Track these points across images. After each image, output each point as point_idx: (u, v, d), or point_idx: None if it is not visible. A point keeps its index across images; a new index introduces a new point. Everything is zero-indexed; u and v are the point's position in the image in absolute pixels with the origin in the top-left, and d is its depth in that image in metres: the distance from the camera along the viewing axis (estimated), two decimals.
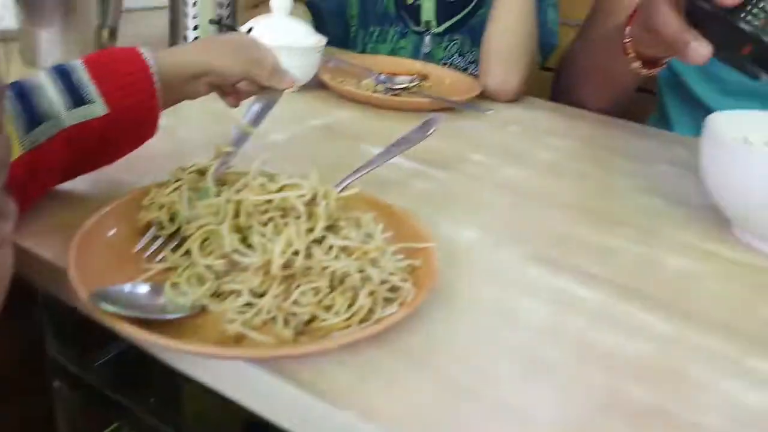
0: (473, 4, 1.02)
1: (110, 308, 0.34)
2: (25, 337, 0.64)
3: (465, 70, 1.03)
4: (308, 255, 0.37)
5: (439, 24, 1.03)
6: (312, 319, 0.37)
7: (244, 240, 0.38)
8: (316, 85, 0.84)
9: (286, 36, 0.78)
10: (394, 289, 0.39)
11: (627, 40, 0.69)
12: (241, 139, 0.50)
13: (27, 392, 0.67)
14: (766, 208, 0.51)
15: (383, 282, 0.38)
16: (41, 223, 0.46)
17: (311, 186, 0.39)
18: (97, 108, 0.44)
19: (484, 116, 0.81)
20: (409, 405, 0.34)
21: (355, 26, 1.11)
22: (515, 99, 0.89)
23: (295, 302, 0.36)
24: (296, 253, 0.36)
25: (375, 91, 0.84)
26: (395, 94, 0.83)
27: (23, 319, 0.61)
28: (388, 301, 0.38)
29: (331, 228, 0.39)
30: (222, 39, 0.54)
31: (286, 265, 0.36)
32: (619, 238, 0.54)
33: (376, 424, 0.33)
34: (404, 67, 0.93)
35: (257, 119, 0.51)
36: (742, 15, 0.50)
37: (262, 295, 0.37)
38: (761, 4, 0.50)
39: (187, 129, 0.68)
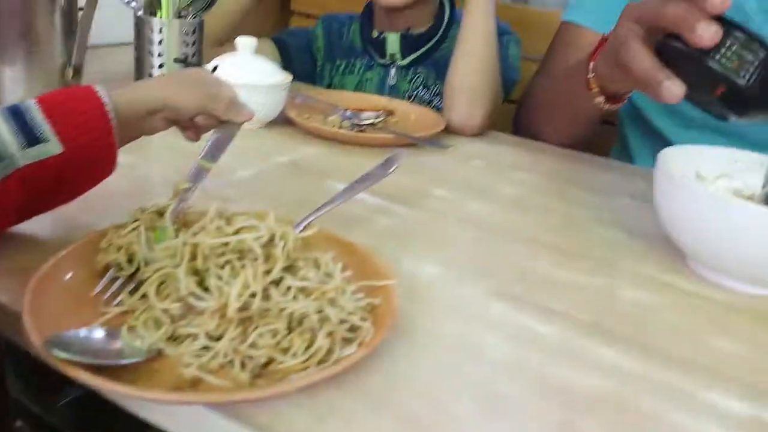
0: (437, 38, 1.04)
1: (63, 355, 0.34)
2: None
3: (430, 102, 1.05)
4: (266, 297, 0.37)
5: (403, 57, 1.05)
6: (270, 361, 0.37)
7: (202, 283, 0.38)
8: (282, 121, 0.85)
9: (251, 74, 0.78)
10: (353, 328, 0.39)
11: (590, 75, 0.70)
12: (199, 174, 0.50)
13: None
14: (716, 242, 0.53)
15: (342, 322, 0.39)
16: None
17: (268, 227, 0.39)
18: (52, 147, 0.44)
19: (448, 151, 0.82)
20: None
21: (321, 60, 1.13)
22: (479, 134, 0.91)
23: (252, 345, 0.36)
24: (253, 295, 0.36)
25: (341, 127, 0.85)
26: (361, 130, 0.84)
27: None
28: (347, 341, 0.38)
29: (289, 269, 0.39)
30: (178, 74, 0.54)
31: (243, 308, 0.36)
32: (579, 271, 0.55)
33: None
34: (370, 103, 0.94)
35: (215, 154, 0.52)
36: (716, 56, 0.50)
37: (219, 338, 0.37)
38: (734, 47, 0.50)
39: (148, 167, 0.68)
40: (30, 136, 0.43)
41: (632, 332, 0.47)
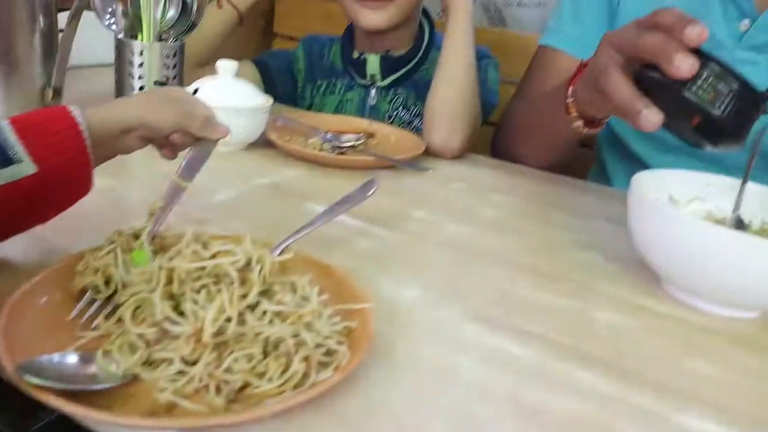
0: (416, 60, 1.06)
1: (35, 381, 0.34)
2: None
3: (410, 123, 1.06)
4: (241, 321, 0.37)
5: (383, 78, 1.06)
6: (245, 385, 0.37)
7: (178, 307, 0.38)
8: (263, 143, 0.85)
9: (232, 97, 0.79)
10: (330, 352, 0.40)
11: (569, 100, 0.71)
12: (175, 193, 0.50)
13: None
14: (688, 265, 0.54)
15: (318, 346, 0.39)
16: None
17: (245, 251, 0.39)
18: (25, 167, 0.43)
19: (429, 173, 0.83)
20: None
21: (302, 80, 1.14)
22: (459, 156, 0.92)
23: (228, 369, 0.36)
24: (228, 320, 0.36)
25: (322, 150, 0.86)
26: (342, 153, 0.85)
27: None
28: (323, 365, 0.39)
29: (265, 293, 0.39)
30: (152, 92, 0.54)
31: (219, 332, 0.36)
32: (556, 294, 0.56)
33: None
34: (351, 126, 0.95)
35: (191, 173, 0.51)
36: (692, 88, 0.51)
37: (194, 363, 0.37)
38: (710, 79, 0.51)
39: (127, 189, 0.68)
40: (2, 157, 0.43)
41: (608, 355, 0.48)
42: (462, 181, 0.83)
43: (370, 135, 0.94)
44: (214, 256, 0.39)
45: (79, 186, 0.48)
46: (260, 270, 0.39)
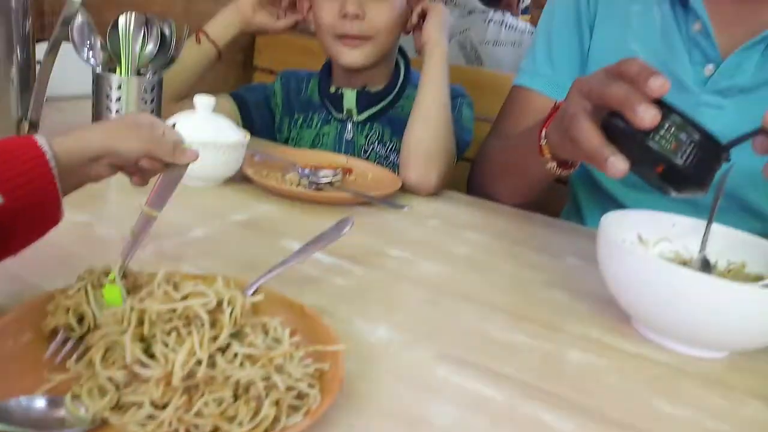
0: (392, 96, 1.07)
1: (1, 426, 0.33)
2: None
3: (386, 157, 1.08)
4: (212, 364, 0.37)
5: (360, 113, 1.07)
6: (215, 430, 0.36)
7: (149, 349, 0.38)
8: (240, 179, 0.85)
9: (209, 133, 0.79)
10: (301, 395, 0.40)
11: (543, 142, 0.72)
12: (146, 224, 0.50)
13: None
14: (656, 305, 0.55)
15: (289, 389, 0.39)
16: None
17: (216, 292, 0.39)
18: None
19: (405, 210, 0.84)
20: None
21: (279, 114, 1.15)
22: (435, 193, 0.93)
23: (198, 413, 0.36)
24: (199, 362, 0.36)
25: (299, 185, 0.86)
26: (319, 188, 0.85)
27: None
28: (294, 408, 0.39)
29: (236, 335, 0.39)
30: (120, 119, 0.53)
31: (189, 375, 0.36)
32: (526, 334, 0.56)
33: None
34: (329, 161, 0.96)
35: (161, 201, 0.51)
36: (655, 137, 0.54)
37: (165, 407, 0.36)
38: (672, 129, 0.53)
39: (103, 224, 0.68)
40: None
41: (577, 396, 0.48)
42: (437, 218, 0.84)
43: (348, 171, 0.95)
44: (185, 298, 0.39)
45: (48, 216, 0.47)
46: (231, 312, 0.39)
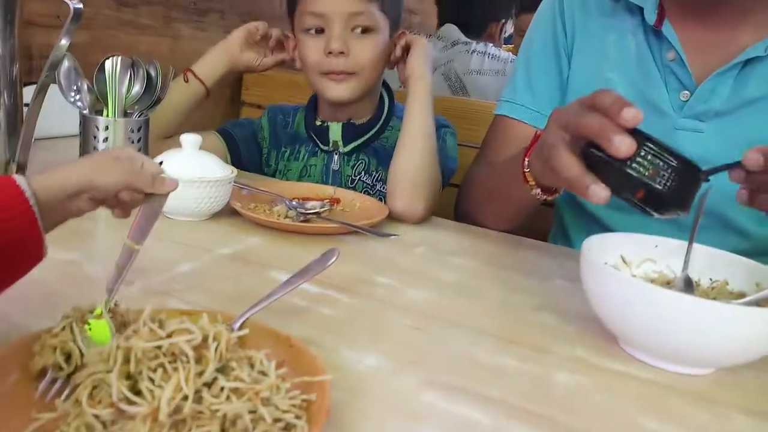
0: (377, 129, 1.09)
1: None
2: None
3: (373, 186, 1.09)
4: (198, 399, 0.37)
5: (345, 144, 1.09)
6: None
7: (135, 386, 0.38)
8: (228, 213, 0.86)
9: (196, 169, 0.80)
10: (289, 426, 0.40)
11: (526, 170, 0.74)
12: (129, 257, 0.50)
13: None
14: (640, 326, 0.55)
15: (276, 420, 0.39)
16: None
17: (201, 329, 0.40)
18: None
19: (393, 239, 0.85)
20: None
21: (267, 147, 1.16)
22: (421, 221, 0.94)
23: None
24: (185, 398, 0.37)
25: (287, 217, 0.87)
26: (306, 220, 0.86)
27: None
28: None
29: (222, 369, 0.40)
30: (98, 154, 0.54)
31: (176, 411, 0.37)
32: (513, 357, 0.57)
33: None
34: (316, 192, 0.97)
35: (142, 234, 0.51)
36: (633, 165, 0.55)
37: None
38: (649, 156, 0.55)
39: (90, 262, 0.68)
40: None
41: (565, 417, 0.49)
42: (424, 245, 0.85)
43: (335, 201, 0.96)
44: (170, 335, 0.39)
45: (30, 254, 0.47)
46: (216, 347, 0.39)
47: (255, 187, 0.93)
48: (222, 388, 0.39)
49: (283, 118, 1.17)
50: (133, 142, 0.84)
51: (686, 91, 0.84)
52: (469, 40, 1.86)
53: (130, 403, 0.37)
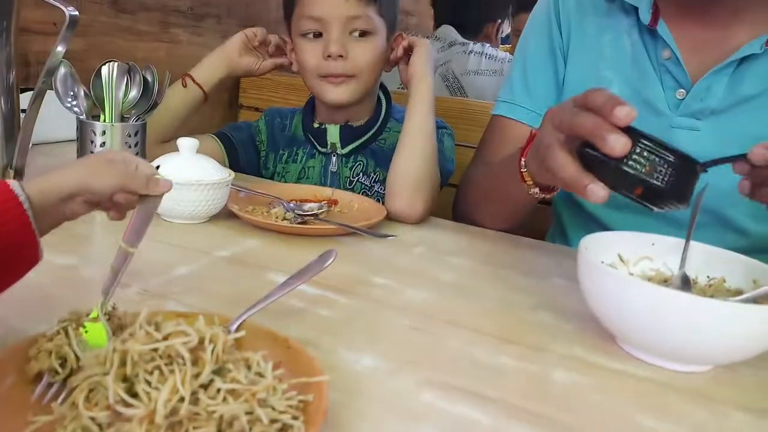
0: (374, 130, 1.10)
1: None
2: None
3: (371, 187, 1.09)
4: (195, 400, 0.38)
5: (343, 146, 1.09)
6: None
7: (132, 388, 0.38)
8: (225, 215, 0.86)
9: (193, 173, 0.80)
10: (286, 427, 0.40)
11: (523, 170, 0.74)
12: (124, 260, 0.50)
13: None
14: (638, 324, 0.55)
15: (273, 421, 0.39)
16: None
17: (197, 331, 0.40)
18: None
19: (391, 239, 0.85)
20: None
21: (265, 150, 1.17)
22: (420, 221, 0.94)
23: None
24: (181, 399, 0.37)
25: (285, 219, 0.87)
26: (304, 221, 0.86)
27: None
28: None
29: (219, 371, 0.40)
30: (91, 157, 0.54)
31: (173, 413, 0.37)
32: (511, 356, 0.57)
33: None
34: (314, 194, 0.97)
35: (137, 237, 0.51)
36: (629, 162, 0.56)
37: None
38: (644, 153, 0.55)
39: (88, 266, 0.68)
40: None
41: (563, 416, 0.49)
42: (423, 246, 0.85)
43: (333, 203, 0.96)
44: (167, 337, 0.39)
45: (26, 257, 0.47)
46: (213, 349, 0.40)
47: (252, 190, 0.94)
48: (218, 390, 0.39)
49: (281, 120, 1.17)
50: (130, 147, 0.84)
51: (682, 90, 0.84)
52: (466, 40, 1.87)
53: (127, 405, 0.37)
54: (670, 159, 0.56)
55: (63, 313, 0.47)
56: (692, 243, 0.65)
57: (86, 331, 0.46)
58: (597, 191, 0.57)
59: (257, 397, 0.39)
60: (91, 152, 0.84)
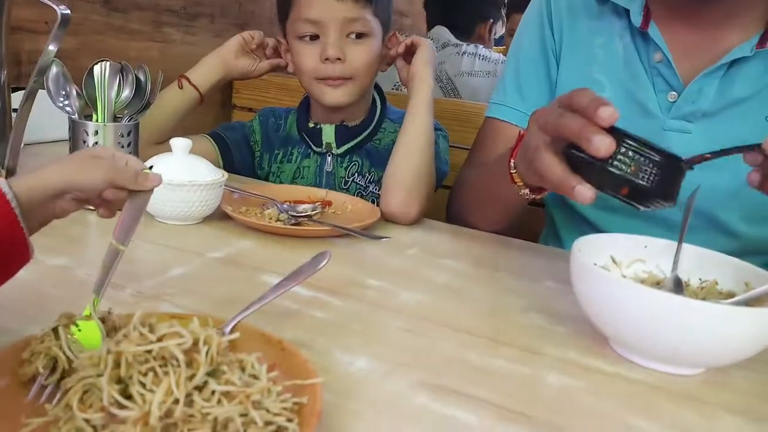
0: (369, 131, 1.10)
1: None
2: None
3: (366, 188, 1.10)
4: (189, 402, 0.37)
5: (338, 146, 1.09)
6: None
7: (126, 390, 0.38)
8: (219, 216, 0.86)
9: (186, 173, 0.80)
10: (280, 429, 0.40)
11: (513, 171, 0.74)
12: (114, 258, 0.50)
13: None
14: (630, 327, 0.56)
15: (268, 423, 0.39)
16: None
17: (192, 332, 0.40)
18: None
19: (385, 240, 0.85)
20: None
21: (259, 150, 1.16)
22: (414, 222, 0.94)
23: None
24: (176, 401, 0.37)
25: (278, 220, 0.87)
26: (297, 223, 0.86)
27: None
28: None
29: (213, 373, 0.40)
30: (79, 153, 0.53)
31: (167, 415, 0.37)
32: (504, 359, 0.57)
33: None
34: (308, 195, 0.97)
35: (127, 234, 0.51)
36: (614, 163, 0.56)
37: None
38: (629, 153, 0.56)
39: (83, 268, 0.68)
40: None
41: (556, 418, 0.49)
42: (416, 247, 0.85)
43: (327, 204, 0.96)
44: (161, 339, 0.39)
45: (15, 256, 0.47)
46: (207, 351, 0.39)
47: (246, 191, 0.93)
48: (213, 392, 0.38)
49: (275, 120, 1.17)
50: (122, 147, 0.84)
51: (674, 92, 0.85)
52: (459, 42, 1.87)
53: (121, 407, 0.37)
54: (656, 158, 0.56)
55: (57, 315, 0.47)
56: (684, 245, 0.65)
57: (79, 330, 0.46)
58: (584, 192, 0.58)
59: (252, 399, 0.39)
60: None
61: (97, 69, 0.86)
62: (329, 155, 1.10)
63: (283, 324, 0.58)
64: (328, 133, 1.09)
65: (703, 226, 0.84)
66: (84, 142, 0.83)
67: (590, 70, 0.90)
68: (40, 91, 0.82)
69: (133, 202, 0.52)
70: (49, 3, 0.78)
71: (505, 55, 1.80)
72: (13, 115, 0.87)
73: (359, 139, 1.10)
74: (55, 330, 0.45)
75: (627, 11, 0.86)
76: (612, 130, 0.56)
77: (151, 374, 0.38)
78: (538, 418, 0.48)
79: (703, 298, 0.62)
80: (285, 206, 0.90)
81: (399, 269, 0.77)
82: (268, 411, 0.40)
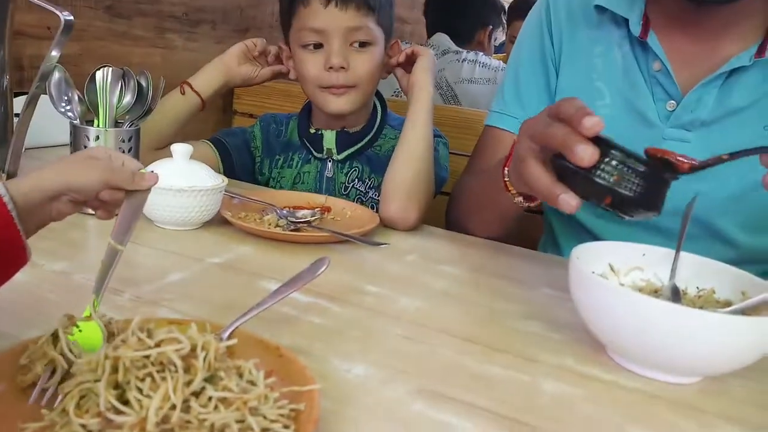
0: (370, 137, 1.10)
1: None
2: None
3: (366, 193, 1.10)
4: (186, 408, 0.38)
5: (339, 152, 1.10)
6: None
7: (123, 395, 0.38)
8: (218, 222, 0.86)
9: (186, 179, 0.80)
10: None
11: (507, 179, 0.75)
12: (113, 258, 0.50)
13: None
14: (628, 335, 0.56)
15: (265, 430, 0.39)
16: None
17: (190, 338, 0.40)
18: None
19: (384, 246, 0.85)
20: None
21: (260, 156, 1.17)
22: (413, 229, 0.94)
23: None
24: (173, 407, 0.37)
25: (278, 226, 0.87)
26: (296, 229, 0.86)
27: None
28: None
29: (210, 379, 0.40)
30: (75, 155, 0.53)
31: (164, 420, 0.37)
32: (501, 366, 0.57)
33: None
34: (307, 201, 0.97)
35: (125, 234, 0.51)
36: (598, 172, 0.57)
37: None
38: (613, 162, 0.56)
39: (83, 273, 0.68)
40: None
41: (552, 426, 0.49)
42: (415, 254, 0.86)
43: (326, 210, 0.96)
44: (159, 344, 0.39)
45: (12, 259, 0.47)
46: (205, 356, 0.40)
47: (246, 196, 0.94)
48: (210, 398, 0.39)
49: (276, 126, 1.17)
50: (124, 152, 0.84)
51: (672, 101, 0.85)
52: (459, 49, 1.88)
53: (118, 412, 0.37)
54: (639, 169, 0.57)
55: (55, 319, 0.47)
56: (682, 254, 0.65)
57: (80, 330, 0.46)
58: (568, 201, 0.59)
59: (249, 406, 0.39)
60: None
61: (99, 74, 0.86)
62: (330, 161, 1.11)
63: (282, 330, 0.58)
64: (329, 139, 1.10)
65: (701, 235, 0.85)
66: (85, 147, 0.83)
67: (590, 77, 0.91)
68: (42, 96, 0.82)
69: (131, 202, 0.52)
70: (53, 9, 0.79)
71: (505, 62, 1.81)
72: (15, 119, 0.87)
73: (360, 145, 1.10)
74: (54, 334, 0.45)
75: (626, 20, 0.87)
76: (598, 140, 0.56)
77: (148, 380, 0.38)
78: (534, 426, 0.49)
79: (701, 307, 0.62)
80: (284, 212, 0.90)
81: (398, 275, 0.77)
82: (265, 417, 0.40)
